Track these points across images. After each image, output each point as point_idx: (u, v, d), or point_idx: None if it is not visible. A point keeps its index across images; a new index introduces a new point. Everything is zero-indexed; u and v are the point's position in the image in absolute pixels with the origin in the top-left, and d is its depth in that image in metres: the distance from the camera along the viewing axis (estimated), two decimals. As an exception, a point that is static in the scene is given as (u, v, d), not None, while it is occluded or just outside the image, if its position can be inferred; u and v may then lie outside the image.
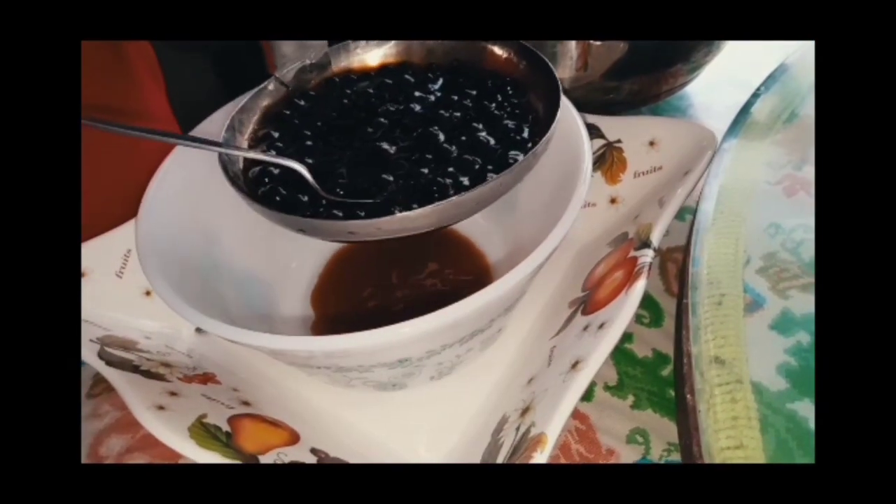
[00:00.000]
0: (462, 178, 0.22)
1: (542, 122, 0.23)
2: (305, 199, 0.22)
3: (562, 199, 0.22)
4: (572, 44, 0.31)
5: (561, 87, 0.23)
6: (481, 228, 0.31)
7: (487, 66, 0.26)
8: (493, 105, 0.25)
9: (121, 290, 0.27)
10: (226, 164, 0.23)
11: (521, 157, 0.22)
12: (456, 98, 0.25)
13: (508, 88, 0.25)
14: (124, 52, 0.35)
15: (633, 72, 0.33)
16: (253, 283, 0.28)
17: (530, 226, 0.28)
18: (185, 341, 0.28)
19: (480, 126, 0.24)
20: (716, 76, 0.37)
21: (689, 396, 0.18)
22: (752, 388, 0.17)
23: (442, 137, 0.24)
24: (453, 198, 0.20)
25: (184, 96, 0.27)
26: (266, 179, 0.23)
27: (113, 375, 0.22)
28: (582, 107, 0.26)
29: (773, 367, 0.18)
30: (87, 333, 0.25)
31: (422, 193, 0.21)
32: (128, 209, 0.26)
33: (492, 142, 0.23)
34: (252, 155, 0.24)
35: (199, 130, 0.27)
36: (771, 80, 0.29)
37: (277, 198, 0.22)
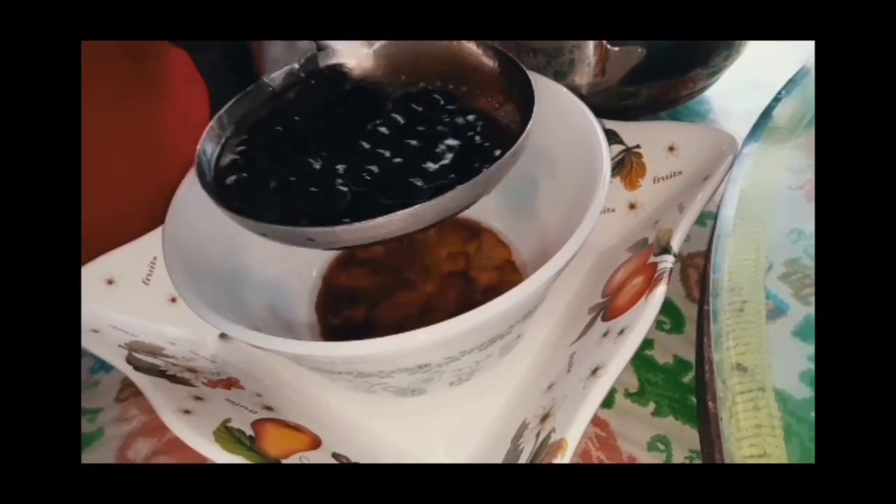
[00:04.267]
0: (427, 185, 0.21)
1: (516, 135, 0.22)
2: (274, 205, 0.22)
3: (580, 205, 0.22)
4: (590, 50, 0.31)
5: (536, 101, 0.23)
6: (500, 233, 0.31)
7: (472, 73, 0.26)
8: (471, 115, 0.24)
9: (147, 297, 0.28)
10: (202, 168, 0.23)
11: (486, 168, 0.21)
12: (433, 106, 0.25)
13: (486, 101, 0.25)
14: (161, 65, 0.35)
15: (651, 77, 0.33)
16: (275, 290, 0.29)
17: (549, 232, 0.28)
18: (210, 347, 0.28)
19: (452, 135, 0.24)
20: (736, 80, 0.37)
21: (710, 404, 0.18)
22: (776, 395, 0.17)
23: (411, 144, 0.23)
24: (412, 209, 0.20)
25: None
26: (240, 186, 0.23)
27: (141, 380, 0.23)
28: (600, 112, 0.26)
29: (797, 375, 0.18)
30: (116, 339, 0.26)
31: (382, 204, 0.21)
32: (154, 217, 0.26)
33: (461, 150, 0.23)
34: None
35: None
36: (792, 83, 0.28)
37: (245, 203, 0.22)
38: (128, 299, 0.28)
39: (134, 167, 0.32)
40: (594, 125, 0.25)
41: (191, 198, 0.25)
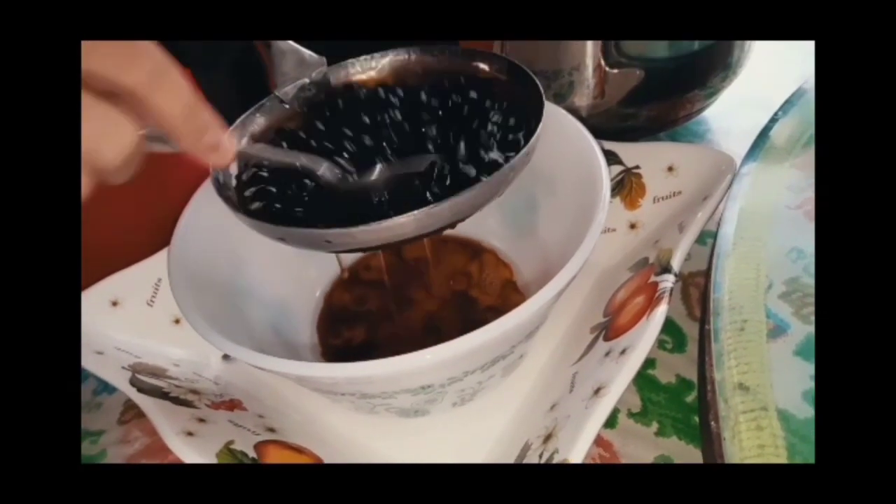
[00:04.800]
0: (438, 188, 0.22)
1: (527, 134, 0.23)
2: (291, 210, 0.23)
3: (581, 225, 0.23)
4: (589, 72, 0.32)
5: (545, 103, 0.23)
6: (501, 253, 0.32)
7: (479, 83, 0.27)
8: (480, 119, 0.25)
9: (151, 318, 0.28)
10: (219, 183, 0.24)
11: (502, 167, 0.21)
12: (444, 114, 0.26)
13: (497, 104, 0.26)
14: None
15: (650, 98, 0.34)
16: (278, 311, 0.29)
17: (550, 252, 0.28)
18: (213, 368, 0.28)
19: (465, 138, 0.24)
20: (733, 100, 0.37)
21: (713, 424, 0.18)
22: (778, 415, 0.17)
23: (424, 148, 0.24)
24: (427, 208, 0.20)
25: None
26: (257, 197, 0.24)
27: (144, 402, 0.23)
28: (600, 134, 0.26)
29: (799, 394, 0.18)
30: (119, 361, 0.26)
31: (397, 204, 0.21)
32: (158, 240, 0.26)
33: (475, 152, 0.23)
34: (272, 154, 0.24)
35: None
36: (789, 104, 0.29)
37: (262, 210, 0.23)
38: (132, 321, 0.28)
39: (138, 189, 0.32)
40: (593, 146, 0.25)
41: (196, 220, 0.26)
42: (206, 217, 0.26)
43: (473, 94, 0.26)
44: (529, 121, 0.24)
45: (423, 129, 0.25)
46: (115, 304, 0.28)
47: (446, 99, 0.26)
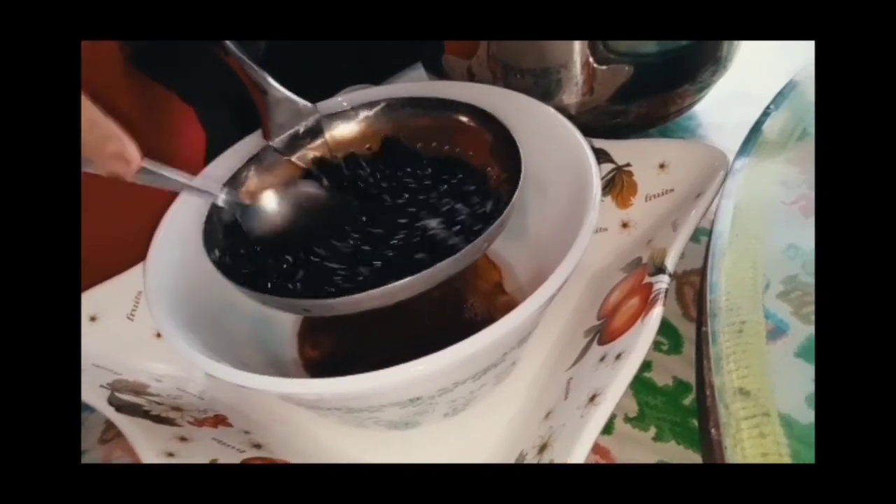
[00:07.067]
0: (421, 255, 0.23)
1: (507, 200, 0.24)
2: (274, 275, 0.24)
3: (572, 226, 0.22)
4: (577, 69, 0.31)
5: (523, 168, 0.24)
6: (491, 255, 0.31)
7: (465, 138, 0.27)
8: (462, 184, 0.26)
9: (132, 333, 0.27)
10: (209, 240, 0.24)
11: (475, 239, 0.22)
12: (423, 177, 0.27)
13: (480, 162, 0.26)
14: (166, 108, 0.36)
15: (639, 94, 0.33)
16: (261, 323, 0.28)
17: (542, 254, 0.28)
18: (198, 383, 0.28)
19: (443, 202, 0.25)
20: (724, 94, 0.37)
21: (713, 431, 0.18)
22: (781, 421, 0.17)
23: (403, 216, 0.25)
24: (404, 280, 0.21)
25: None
26: (245, 258, 0.25)
27: (122, 421, 0.22)
28: (589, 131, 0.26)
29: (803, 398, 0.17)
30: (97, 379, 0.25)
31: (377, 275, 0.22)
32: (138, 252, 0.26)
33: (454, 217, 0.25)
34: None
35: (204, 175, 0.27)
36: (780, 97, 0.28)
37: (247, 273, 0.24)
38: (112, 336, 0.27)
39: (118, 200, 0.32)
40: (583, 144, 0.25)
41: (174, 232, 0.25)
42: (185, 228, 0.25)
43: (457, 150, 0.27)
44: (508, 183, 0.24)
45: (403, 196, 0.26)
46: (93, 319, 0.27)
47: (427, 161, 0.27)
